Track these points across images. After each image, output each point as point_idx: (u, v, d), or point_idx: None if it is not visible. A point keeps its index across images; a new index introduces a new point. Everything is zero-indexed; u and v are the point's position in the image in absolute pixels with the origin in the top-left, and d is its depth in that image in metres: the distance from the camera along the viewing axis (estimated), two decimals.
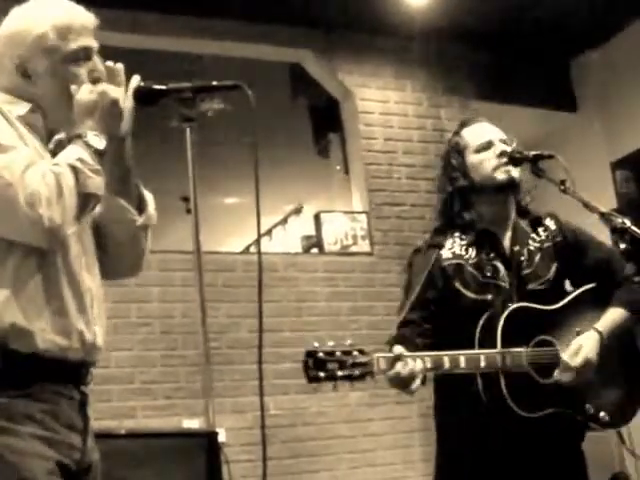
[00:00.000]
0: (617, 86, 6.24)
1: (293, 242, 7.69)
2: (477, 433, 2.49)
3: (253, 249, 8.10)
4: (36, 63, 1.84)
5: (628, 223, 2.35)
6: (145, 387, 4.78)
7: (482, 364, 2.38)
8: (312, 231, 5.96)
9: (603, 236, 2.69)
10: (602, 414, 2.51)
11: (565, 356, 2.47)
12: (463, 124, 2.74)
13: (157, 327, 4.93)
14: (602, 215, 2.44)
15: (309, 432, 5.10)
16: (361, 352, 2.24)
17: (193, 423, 4.51)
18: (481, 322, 2.46)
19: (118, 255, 1.97)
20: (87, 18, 1.90)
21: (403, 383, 2.31)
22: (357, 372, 2.22)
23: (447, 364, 2.36)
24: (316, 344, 2.22)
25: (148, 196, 1.99)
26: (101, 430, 1.98)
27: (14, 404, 1.67)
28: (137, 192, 1.96)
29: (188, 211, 2.29)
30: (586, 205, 2.50)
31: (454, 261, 2.58)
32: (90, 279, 1.86)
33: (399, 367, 2.28)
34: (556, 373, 2.46)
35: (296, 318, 5.27)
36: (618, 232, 2.37)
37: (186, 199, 2.31)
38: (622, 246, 2.39)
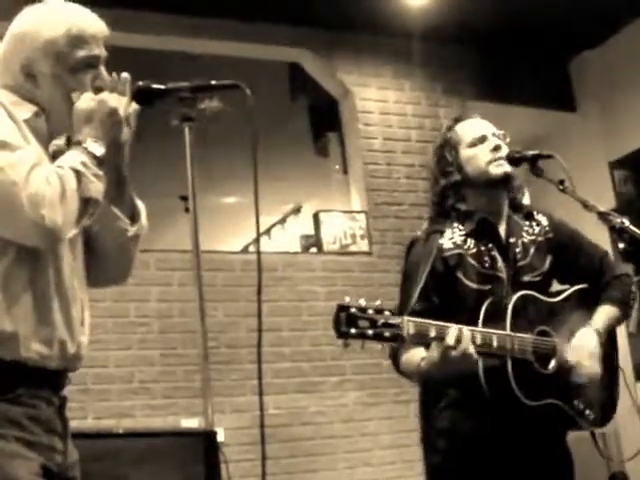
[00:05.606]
0: (616, 86, 6.24)
1: (292, 241, 7.70)
2: (477, 428, 2.46)
3: (252, 248, 8.10)
4: (42, 66, 1.83)
5: (627, 223, 2.35)
6: (144, 386, 4.78)
7: (494, 344, 2.33)
8: (311, 230, 5.96)
9: (602, 236, 2.70)
10: (587, 412, 2.52)
11: (579, 359, 2.48)
12: (456, 120, 2.73)
13: (156, 326, 4.92)
14: (601, 215, 2.43)
15: (308, 431, 5.10)
16: (393, 313, 2.17)
17: (192, 422, 4.50)
18: (484, 307, 2.44)
19: (106, 262, 1.95)
20: (99, 27, 1.89)
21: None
22: (387, 333, 2.14)
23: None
24: (348, 299, 2.14)
25: (141, 206, 1.98)
26: (100, 429, 1.98)
27: None
28: (131, 201, 1.94)
29: (187, 210, 2.30)
30: (585, 205, 2.49)
31: (455, 251, 2.57)
32: (80, 287, 1.86)
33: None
34: (553, 363, 2.45)
35: (295, 317, 5.27)
36: (617, 232, 2.37)
37: (185, 198, 2.31)
38: (621, 246, 2.39)
